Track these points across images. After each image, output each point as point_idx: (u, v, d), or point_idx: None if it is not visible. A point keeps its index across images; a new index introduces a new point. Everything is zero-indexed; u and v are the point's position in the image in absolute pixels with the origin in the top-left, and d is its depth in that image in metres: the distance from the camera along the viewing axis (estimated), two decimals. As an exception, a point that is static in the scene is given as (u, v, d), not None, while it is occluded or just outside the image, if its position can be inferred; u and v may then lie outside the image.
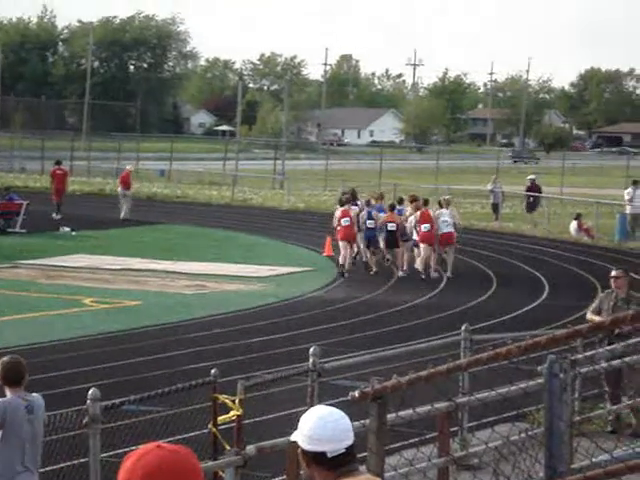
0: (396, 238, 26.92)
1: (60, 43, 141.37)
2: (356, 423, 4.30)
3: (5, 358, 7.51)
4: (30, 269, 26.01)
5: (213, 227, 37.32)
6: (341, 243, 27.06)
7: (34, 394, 7.48)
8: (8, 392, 7.38)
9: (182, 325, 19.51)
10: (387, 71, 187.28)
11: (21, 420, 7.29)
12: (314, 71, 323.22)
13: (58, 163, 41.05)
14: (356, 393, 4.44)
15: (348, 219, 26.98)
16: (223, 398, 8.89)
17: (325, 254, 30.24)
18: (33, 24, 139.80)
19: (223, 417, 8.92)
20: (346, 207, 27.30)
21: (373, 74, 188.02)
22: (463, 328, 11.94)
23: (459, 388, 11.08)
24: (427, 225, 26.71)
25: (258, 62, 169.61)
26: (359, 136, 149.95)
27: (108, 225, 36.78)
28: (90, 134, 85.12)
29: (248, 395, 9.30)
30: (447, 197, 29.20)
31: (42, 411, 7.45)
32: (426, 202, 27.76)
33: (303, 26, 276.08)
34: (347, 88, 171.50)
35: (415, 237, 26.87)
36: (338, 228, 27.20)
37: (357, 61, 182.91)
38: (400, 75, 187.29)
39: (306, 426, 3.89)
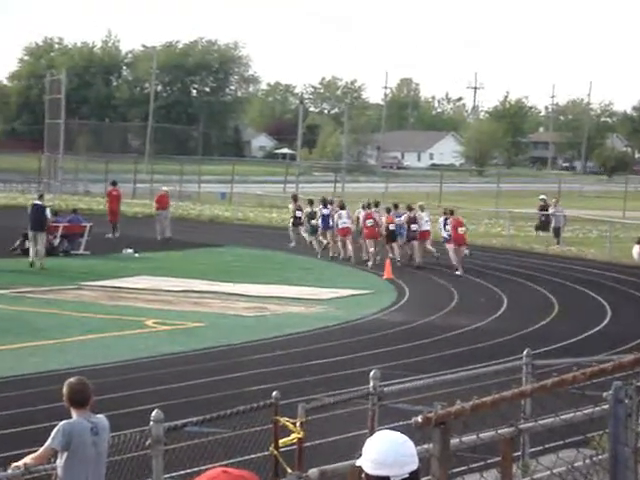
0: (395, 235, 33.30)
1: (124, 67, 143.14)
2: (419, 448, 4.31)
3: (71, 379, 7.59)
4: (93, 290, 26.30)
5: (273, 249, 37.46)
6: (368, 241, 33.18)
7: (99, 415, 7.55)
8: (74, 414, 7.45)
9: (243, 347, 19.60)
10: (447, 94, 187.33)
11: (86, 442, 7.36)
12: (374, 94, 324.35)
13: (114, 184, 41.81)
14: (419, 418, 4.45)
15: (372, 220, 33.11)
16: (284, 420, 8.92)
17: (385, 277, 30.22)
18: (98, 48, 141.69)
19: (284, 440, 8.94)
20: (369, 210, 33.80)
21: (433, 97, 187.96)
22: (525, 353, 11.86)
23: (521, 412, 11.01)
24: (415, 225, 33.50)
25: (319, 86, 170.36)
26: (419, 159, 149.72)
27: (170, 247, 37.09)
28: (153, 157, 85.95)
29: (309, 417, 9.32)
30: (421, 203, 36.26)
31: (107, 432, 7.52)
32: (410, 208, 34.33)
33: (363, 50, 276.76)
34: (407, 111, 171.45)
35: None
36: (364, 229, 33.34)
37: (417, 84, 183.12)
38: (460, 98, 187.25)
39: (371, 450, 3.91)
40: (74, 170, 67.87)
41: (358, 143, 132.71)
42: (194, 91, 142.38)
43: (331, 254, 35.09)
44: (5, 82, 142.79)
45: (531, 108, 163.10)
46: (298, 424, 8.91)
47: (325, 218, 35.52)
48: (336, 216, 34.50)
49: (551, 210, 42.01)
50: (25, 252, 32.25)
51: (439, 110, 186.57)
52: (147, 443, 7.70)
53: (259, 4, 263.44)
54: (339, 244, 34.88)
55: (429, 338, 21.08)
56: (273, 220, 48.84)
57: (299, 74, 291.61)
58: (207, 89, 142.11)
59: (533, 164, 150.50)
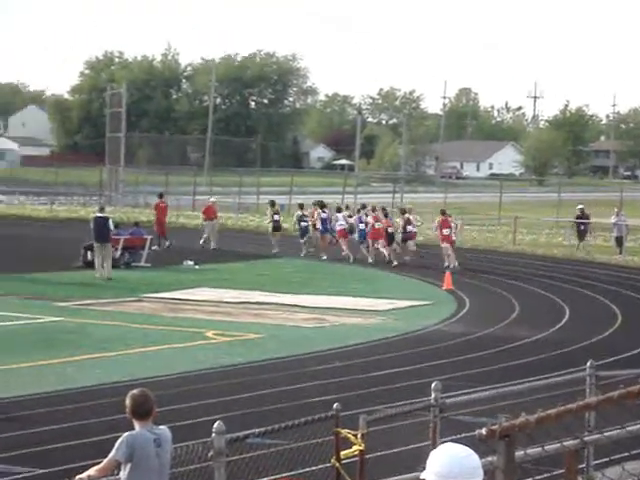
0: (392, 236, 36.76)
1: (183, 80, 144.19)
2: (483, 460, 4.27)
3: (134, 391, 7.62)
4: (154, 302, 26.48)
5: (331, 260, 37.45)
6: (371, 241, 36.77)
7: (161, 427, 7.57)
8: (137, 425, 7.47)
9: (303, 358, 19.60)
10: (507, 104, 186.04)
11: (150, 453, 7.38)
12: (433, 104, 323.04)
13: (161, 196, 42.41)
14: (483, 431, 4.41)
15: (380, 223, 36.75)
16: (346, 432, 8.89)
17: (445, 288, 30.08)
18: (157, 62, 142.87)
19: (346, 452, 8.91)
20: (375, 214, 37.46)
21: (492, 107, 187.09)
22: (588, 364, 11.73)
23: (585, 424, 10.88)
24: (410, 227, 37.15)
25: (377, 96, 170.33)
26: (478, 169, 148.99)
27: (229, 258, 37.26)
28: (212, 169, 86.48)
29: (370, 429, 9.28)
30: (409, 207, 40.76)
31: (169, 444, 7.53)
32: (404, 211, 38.39)
33: (422, 60, 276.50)
34: (466, 121, 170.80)
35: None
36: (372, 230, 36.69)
37: (476, 94, 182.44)
38: (520, 108, 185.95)
39: (435, 463, 3.88)
40: (134, 182, 68.47)
41: (416, 153, 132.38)
42: (253, 103, 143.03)
43: (324, 257, 37.66)
44: (67, 96, 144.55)
45: (592, 116, 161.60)
46: (359, 436, 8.87)
47: (324, 221, 38.67)
48: (333, 218, 38.43)
49: (613, 219, 41.60)
50: (87, 265, 32.59)
51: (498, 119, 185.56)
52: (209, 455, 7.71)
53: (317, 17, 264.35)
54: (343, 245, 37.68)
55: (491, 349, 20.93)
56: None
57: (357, 85, 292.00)
58: (266, 101, 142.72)
59: (594, 173, 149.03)
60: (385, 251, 36.56)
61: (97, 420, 14.16)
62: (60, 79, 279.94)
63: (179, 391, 16.10)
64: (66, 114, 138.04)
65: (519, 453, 4.91)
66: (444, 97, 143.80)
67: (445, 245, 35.81)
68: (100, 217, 31.75)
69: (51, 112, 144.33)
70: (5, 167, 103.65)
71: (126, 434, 7.45)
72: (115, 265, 32.20)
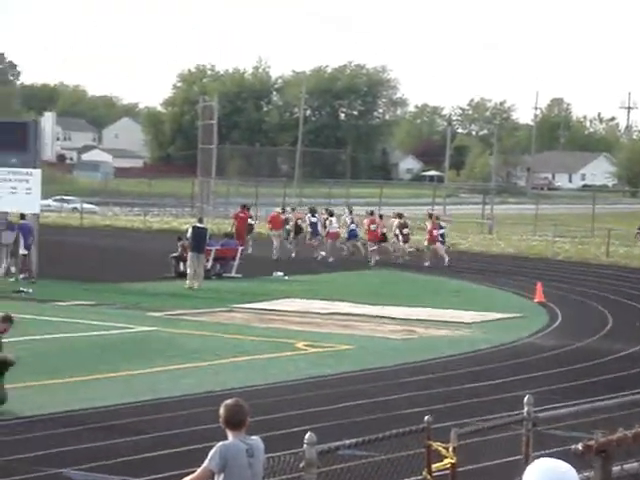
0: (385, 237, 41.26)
1: (274, 92, 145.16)
2: (580, 475, 4.21)
3: (228, 401, 7.65)
4: (245, 313, 26.67)
5: (420, 272, 37.33)
6: (369, 243, 40.49)
7: (254, 437, 7.60)
8: (230, 435, 7.51)
9: (392, 370, 19.55)
10: (599, 114, 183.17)
11: (242, 463, 7.41)
12: (524, 115, 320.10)
13: (243, 207, 42.62)
14: (579, 446, 4.35)
15: (375, 225, 40.68)
16: (437, 445, 8.84)
17: (537, 300, 29.75)
18: (248, 74, 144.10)
19: (437, 465, 8.86)
20: (372, 217, 41.47)
21: (585, 117, 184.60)
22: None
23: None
24: (407, 229, 41.60)
25: (467, 107, 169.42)
26: (570, 180, 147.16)
27: (318, 269, 37.37)
28: (301, 181, 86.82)
29: (462, 442, 9.21)
30: (400, 212, 43.71)
31: (262, 454, 7.55)
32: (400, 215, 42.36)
33: (513, 70, 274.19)
34: (558, 132, 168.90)
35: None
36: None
37: (568, 104, 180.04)
38: (613, 118, 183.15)
39: (534, 477, 3.84)
40: (225, 194, 69.07)
41: (507, 164, 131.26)
42: (342, 115, 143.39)
43: (315, 255, 40.95)
44: (160, 108, 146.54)
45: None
46: (451, 449, 8.81)
47: (314, 225, 41.97)
48: (327, 222, 41.71)
49: None
50: (179, 275, 32.96)
51: (591, 130, 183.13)
52: (300, 466, 7.72)
53: (407, 28, 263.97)
54: (347, 246, 41.95)
55: (584, 363, 20.64)
56: (421, 242, 48.65)
57: (447, 96, 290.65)
58: (355, 112, 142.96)
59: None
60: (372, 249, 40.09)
61: (189, 429, 14.29)
62: (153, 92, 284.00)
63: (270, 401, 16.17)
64: (159, 126, 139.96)
65: (616, 468, 4.84)
66: (536, 108, 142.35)
67: (437, 245, 40.08)
68: (199, 228, 32.14)
69: (144, 124, 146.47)
70: (99, 179, 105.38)
71: (219, 444, 7.49)
72: (206, 276, 32.51)
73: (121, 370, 18.47)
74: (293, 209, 45.24)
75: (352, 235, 42.33)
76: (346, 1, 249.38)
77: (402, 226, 41.17)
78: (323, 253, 41.15)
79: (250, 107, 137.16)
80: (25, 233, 32.02)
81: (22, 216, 32.42)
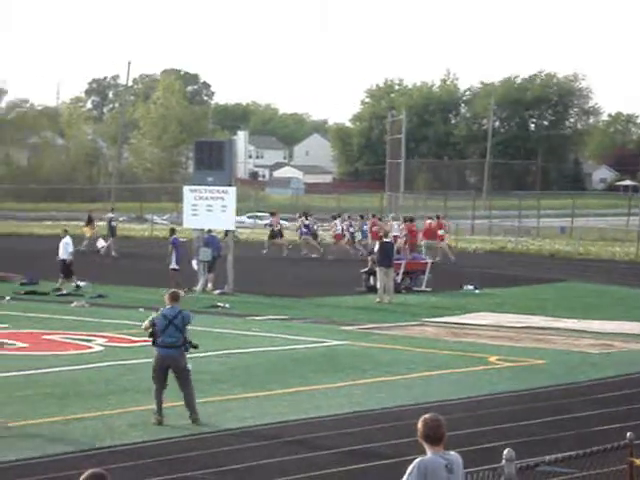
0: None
1: (462, 104, 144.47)
2: None
3: (426, 416, 7.62)
4: (436, 327, 26.58)
5: (617, 284, 36.40)
6: (372, 242, 40.33)
7: (452, 452, 7.56)
8: (428, 450, 7.48)
9: (589, 385, 19.11)
10: None
11: (442, 479, 7.38)
12: None
13: (411, 220, 43.18)
14: None
15: (377, 226, 44.00)
16: None
17: None
18: (436, 87, 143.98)
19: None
20: (374, 219, 47.00)
21: None
22: None
23: None
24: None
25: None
26: None
27: (509, 283, 36.91)
28: (490, 193, 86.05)
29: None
30: (394, 214, 50.29)
31: (461, 470, 7.49)
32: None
33: None
34: None
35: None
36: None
37: None
38: None
39: None
40: (413, 208, 69.10)
41: None
42: (532, 125, 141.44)
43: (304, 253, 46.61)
44: (348, 124, 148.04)
45: None
46: (654, 467, 8.56)
47: (307, 227, 47.91)
48: (332, 225, 48.30)
49: None
50: (370, 289, 33.15)
51: None
52: (500, 481, 7.64)
53: (599, 35, 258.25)
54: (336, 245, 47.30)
55: None
56: (616, 254, 47.49)
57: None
58: (546, 123, 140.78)
59: None
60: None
61: (381, 444, 14.33)
62: (342, 108, 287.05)
63: (462, 416, 16.04)
64: (347, 141, 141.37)
65: None
66: None
67: (442, 244, 44.04)
68: (386, 242, 32.29)
69: (333, 140, 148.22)
70: (290, 194, 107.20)
71: (418, 459, 7.48)
72: (396, 289, 32.58)
73: (316, 384, 18.66)
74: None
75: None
76: (536, 9, 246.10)
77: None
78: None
79: (438, 120, 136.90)
80: (211, 246, 32.93)
81: (172, 231, 33.27)
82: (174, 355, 15.32)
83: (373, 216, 48.35)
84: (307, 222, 48.18)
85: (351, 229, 47.12)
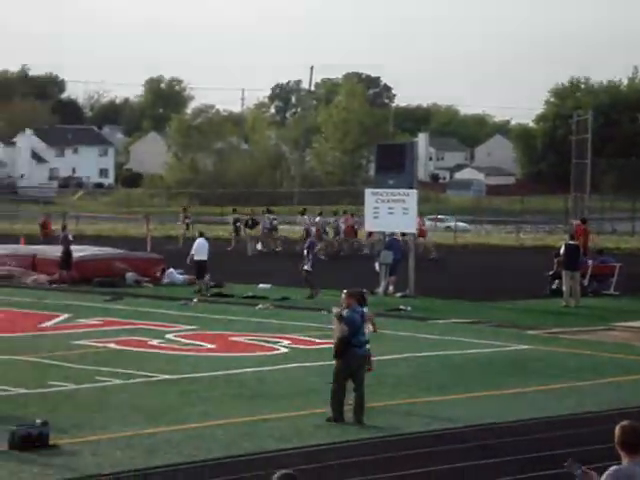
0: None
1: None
2: None
3: (625, 422, 7.34)
4: (626, 331, 25.83)
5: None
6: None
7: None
8: (624, 459, 7.24)
9: None
10: None
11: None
12: None
13: (583, 221, 40.69)
14: None
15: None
16: None
17: None
18: (624, 86, 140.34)
19: None
20: (347, 216, 50.35)
21: None
22: None
23: None
24: None
25: None
26: None
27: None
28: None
29: None
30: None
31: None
32: None
33: None
34: None
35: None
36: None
37: None
38: None
39: None
40: (600, 209, 67.46)
41: None
42: None
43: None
44: (531, 124, 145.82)
45: None
46: None
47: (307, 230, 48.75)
48: (339, 221, 49.85)
49: None
50: (554, 293, 32.49)
51: None
52: None
53: None
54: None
55: None
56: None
57: None
58: None
59: None
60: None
61: (569, 450, 13.95)
62: (525, 108, 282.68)
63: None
64: (530, 142, 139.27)
65: None
66: None
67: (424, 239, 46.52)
68: (571, 245, 31.59)
69: (515, 141, 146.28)
70: (472, 196, 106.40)
71: (613, 468, 7.23)
72: (583, 293, 31.83)
73: (500, 388, 18.38)
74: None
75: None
76: None
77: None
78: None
79: (625, 120, 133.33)
80: (393, 249, 33.01)
81: (307, 233, 33.71)
82: (366, 353, 15.63)
83: (344, 212, 51.78)
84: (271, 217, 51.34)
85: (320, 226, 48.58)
